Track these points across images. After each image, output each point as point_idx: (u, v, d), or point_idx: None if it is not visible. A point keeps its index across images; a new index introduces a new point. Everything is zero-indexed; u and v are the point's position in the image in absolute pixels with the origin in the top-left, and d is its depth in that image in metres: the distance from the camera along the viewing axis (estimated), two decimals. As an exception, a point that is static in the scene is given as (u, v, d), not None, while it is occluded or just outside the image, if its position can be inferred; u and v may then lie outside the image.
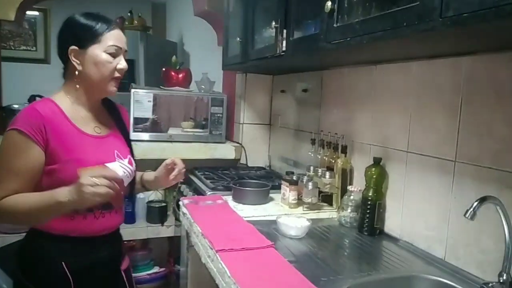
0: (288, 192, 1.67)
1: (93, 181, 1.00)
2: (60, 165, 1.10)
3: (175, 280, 2.40)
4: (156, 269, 2.50)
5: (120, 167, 1.19)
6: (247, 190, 1.71)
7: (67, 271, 1.14)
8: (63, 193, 1.04)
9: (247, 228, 1.37)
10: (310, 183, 1.63)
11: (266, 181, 1.95)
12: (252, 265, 1.09)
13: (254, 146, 2.51)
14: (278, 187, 1.84)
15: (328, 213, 1.64)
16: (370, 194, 1.46)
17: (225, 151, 2.44)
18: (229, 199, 1.74)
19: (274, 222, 1.48)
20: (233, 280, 1.01)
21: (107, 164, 1.13)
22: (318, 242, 1.37)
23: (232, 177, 2.11)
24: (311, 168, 1.77)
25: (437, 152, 1.26)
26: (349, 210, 1.55)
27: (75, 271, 1.16)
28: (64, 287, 1.15)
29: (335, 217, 1.62)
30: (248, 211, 1.59)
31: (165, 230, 2.40)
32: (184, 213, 1.61)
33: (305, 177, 1.70)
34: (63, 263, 1.14)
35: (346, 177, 1.67)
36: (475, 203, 0.92)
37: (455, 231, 1.19)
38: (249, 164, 2.49)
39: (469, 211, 0.92)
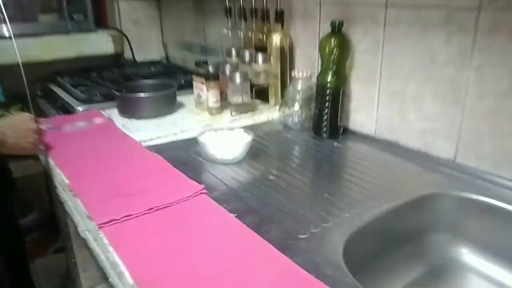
0: (205, 92, 1.11)
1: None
2: None
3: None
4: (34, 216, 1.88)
5: None
6: (142, 98, 1.10)
7: None
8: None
9: (152, 162, 0.82)
10: (237, 74, 1.08)
11: (168, 80, 1.35)
12: (174, 244, 0.57)
13: (141, 32, 1.81)
14: (188, 87, 1.26)
15: (266, 115, 1.14)
16: (328, 80, 0.97)
17: (98, 43, 1.71)
18: (113, 114, 1.13)
19: (193, 142, 0.94)
20: (133, 284, 0.49)
21: None
22: (266, 162, 0.89)
23: (115, 80, 1.45)
24: (233, 52, 1.20)
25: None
26: (296, 107, 1.06)
27: None
28: None
29: (277, 118, 1.13)
30: (148, 131, 1.01)
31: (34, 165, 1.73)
32: (40, 149, 0.97)
33: (227, 66, 1.14)
34: None
35: (285, 59, 1.15)
36: None
37: (475, 117, 0.79)
38: (138, 59, 1.81)
39: None
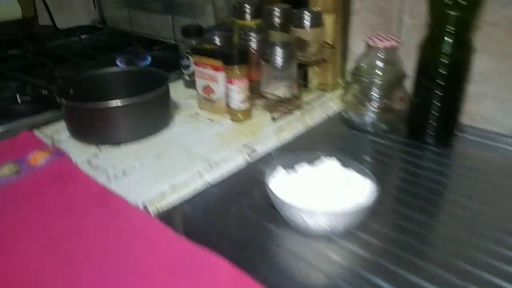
0: (222, 85, 0.65)
1: None
2: None
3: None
4: None
5: None
6: (120, 108, 0.58)
7: None
8: None
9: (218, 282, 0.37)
10: (278, 50, 0.63)
11: (130, 60, 0.87)
12: None
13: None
14: (160, 66, 0.79)
15: (319, 110, 0.72)
16: (446, 51, 0.58)
17: (-6, 4, 1.10)
18: (60, 136, 0.63)
19: (235, 182, 0.51)
20: None
21: None
22: (385, 216, 0.49)
23: (34, 62, 0.91)
24: (246, 9, 0.74)
25: None
26: (375, 95, 0.66)
27: None
28: None
29: (335, 113, 0.72)
30: (146, 175, 0.54)
31: None
32: None
33: (252, 35, 0.68)
34: None
35: (341, 18, 0.72)
36: None
37: None
38: (59, 25, 1.24)
39: None
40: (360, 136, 0.68)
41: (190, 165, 0.55)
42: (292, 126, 0.66)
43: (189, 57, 0.76)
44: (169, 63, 0.89)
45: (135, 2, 1.15)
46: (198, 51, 0.66)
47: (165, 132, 0.63)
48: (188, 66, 0.77)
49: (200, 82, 0.68)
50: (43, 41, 1.11)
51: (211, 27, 0.82)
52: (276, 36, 0.69)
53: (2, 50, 1.03)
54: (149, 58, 0.92)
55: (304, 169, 0.49)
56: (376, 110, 0.67)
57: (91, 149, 0.59)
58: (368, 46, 0.65)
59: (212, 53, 0.64)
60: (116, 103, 0.56)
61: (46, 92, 0.72)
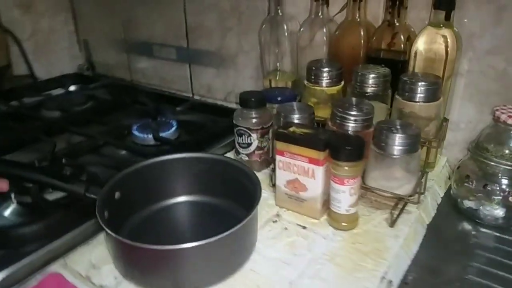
0: (319, 182, 0.47)
1: None
2: None
3: None
4: None
5: None
6: (203, 248, 0.36)
7: None
8: None
9: None
10: (397, 138, 0.46)
11: (156, 127, 0.68)
12: None
13: (39, 24, 1.00)
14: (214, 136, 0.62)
15: (430, 201, 0.56)
16: None
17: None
18: (100, 279, 0.42)
19: None
20: None
21: None
22: None
23: (18, 136, 0.70)
24: (324, 73, 0.57)
25: None
26: (507, 180, 0.51)
27: None
28: None
29: (439, 200, 0.57)
30: None
31: None
32: None
33: (352, 114, 0.51)
34: None
35: (451, 85, 0.57)
36: None
37: None
38: (39, 74, 1.00)
39: None
40: (486, 234, 0.53)
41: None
42: (414, 230, 0.50)
43: (251, 133, 0.58)
44: (204, 133, 0.71)
45: (137, 46, 0.95)
46: (286, 138, 0.48)
47: (254, 258, 0.44)
48: (248, 145, 0.59)
49: (283, 175, 0.50)
50: (22, 97, 0.88)
51: (271, 91, 0.65)
52: (381, 111, 0.53)
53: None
54: (174, 125, 0.73)
55: None
56: (509, 202, 0.52)
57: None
58: (497, 121, 0.51)
59: (310, 142, 0.46)
60: (196, 246, 0.37)
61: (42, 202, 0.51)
